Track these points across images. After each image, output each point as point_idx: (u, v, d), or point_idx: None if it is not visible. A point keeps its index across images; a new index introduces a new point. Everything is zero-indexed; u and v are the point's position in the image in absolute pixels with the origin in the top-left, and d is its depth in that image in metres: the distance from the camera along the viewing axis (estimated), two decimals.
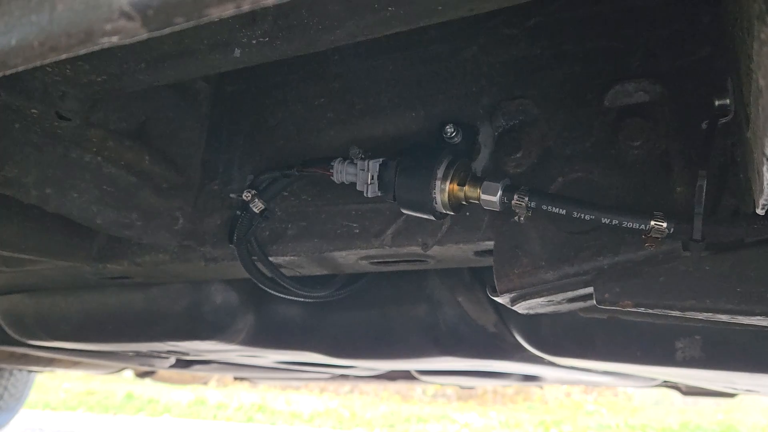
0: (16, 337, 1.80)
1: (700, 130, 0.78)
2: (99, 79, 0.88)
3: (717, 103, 0.74)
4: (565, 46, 0.90)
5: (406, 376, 2.48)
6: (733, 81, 0.73)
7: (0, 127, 0.92)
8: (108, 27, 0.35)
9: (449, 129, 0.88)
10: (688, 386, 2.23)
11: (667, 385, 2.19)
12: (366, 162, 0.88)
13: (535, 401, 11.00)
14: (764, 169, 0.47)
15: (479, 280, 1.29)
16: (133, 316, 1.51)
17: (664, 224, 0.73)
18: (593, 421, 9.67)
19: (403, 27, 0.73)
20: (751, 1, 0.39)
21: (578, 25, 0.90)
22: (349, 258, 1.05)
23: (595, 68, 0.88)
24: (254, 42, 0.77)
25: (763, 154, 0.44)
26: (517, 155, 0.88)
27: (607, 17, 0.89)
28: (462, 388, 4.18)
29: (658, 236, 0.74)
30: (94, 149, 1.00)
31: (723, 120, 0.74)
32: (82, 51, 0.36)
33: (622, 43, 0.86)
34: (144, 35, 0.36)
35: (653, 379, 1.86)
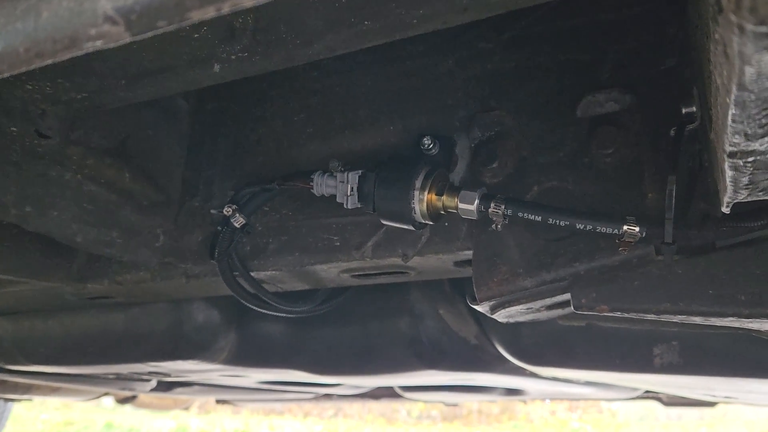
0: None
1: (669, 138, 0.80)
2: (79, 97, 0.89)
3: (684, 110, 0.77)
4: (538, 58, 0.93)
5: (391, 394, 2.48)
6: (698, 88, 0.75)
7: None
8: (92, 32, 0.36)
9: (426, 141, 0.89)
10: (669, 396, 2.25)
11: (649, 396, 2.21)
12: (345, 174, 0.89)
13: (520, 420, 10.97)
14: (726, 166, 0.49)
15: (459, 291, 1.30)
16: (114, 338, 1.50)
17: (637, 228, 0.75)
18: None
19: (380, 40, 0.74)
20: (706, 4, 0.41)
21: (550, 38, 0.93)
22: (331, 271, 1.06)
23: (568, 80, 0.90)
24: (233, 57, 0.78)
25: (724, 151, 0.46)
26: (493, 165, 0.89)
27: (578, 30, 0.91)
28: (446, 405, 4.16)
29: (631, 240, 0.76)
30: (74, 167, 1.00)
31: (690, 127, 0.76)
32: (68, 56, 0.37)
33: (592, 55, 0.89)
34: (128, 39, 0.37)
35: (635, 389, 1.88)
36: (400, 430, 9.81)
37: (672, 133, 0.79)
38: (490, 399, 2.45)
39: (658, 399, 2.36)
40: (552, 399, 2.84)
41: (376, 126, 1.01)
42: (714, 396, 1.64)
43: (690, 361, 1.11)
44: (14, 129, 0.90)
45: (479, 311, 1.32)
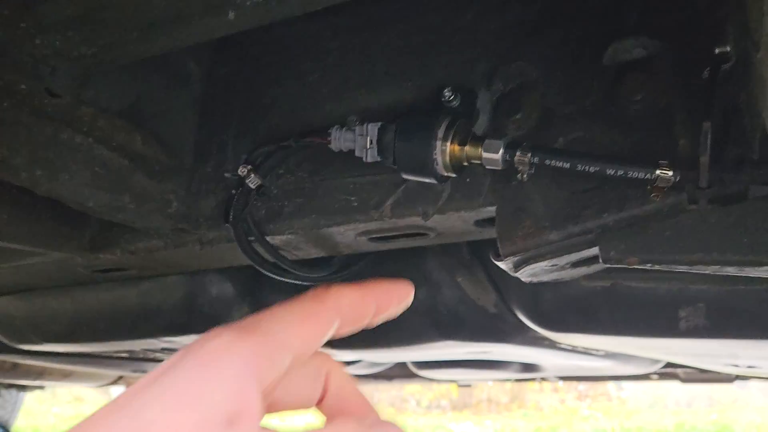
0: (7, 342, 1.76)
1: (701, 81, 0.77)
2: (90, 52, 0.87)
3: (718, 50, 0.74)
4: (560, 7, 0.90)
5: (404, 374, 2.46)
6: (733, 27, 0.73)
7: None
8: None
9: (447, 93, 0.87)
10: (687, 372, 2.22)
11: (668, 373, 2.18)
12: (364, 126, 0.86)
13: (530, 408, 10.97)
14: None
15: (478, 258, 1.28)
16: (127, 312, 1.49)
17: (670, 173, 0.72)
18: (589, 425, 9.66)
19: None
20: None
21: None
22: (348, 234, 1.03)
23: (592, 27, 0.87)
24: (248, 3, 0.76)
25: None
26: (517, 117, 0.87)
27: None
28: (460, 385, 4.15)
29: (664, 186, 0.73)
30: (85, 129, 0.98)
31: (724, 67, 0.74)
32: None
33: (618, 1, 0.86)
34: None
35: (655, 362, 1.85)
36: (410, 419, 9.83)
37: (705, 74, 0.76)
38: (506, 376, 2.43)
39: (676, 377, 2.33)
40: (566, 380, 2.82)
41: (393, 82, 0.99)
42: (737, 366, 1.61)
43: (717, 324, 1.08)
44: (24, 87, 0.88)
45: (498, 279, 1.30)
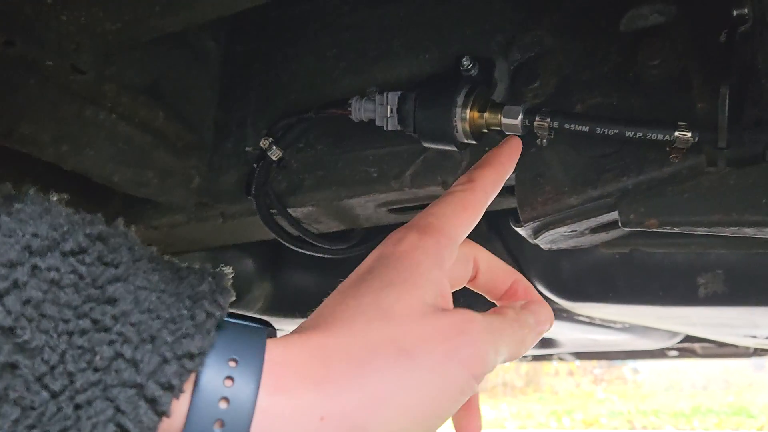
0: None
1: (718, 44, 0.78)
2: (113, 28, 0.89)
3: (735, 12, 0.74)
4: None
5: None
6: None
7: (16, 82, 0.92)
8: None
9: (465, 61, 0.88)
10: (704, 348, 2.22)
11: (684, 349, 2.18)
12: (384, 95, 0.88)
13: (546, 392, 11.00)
14: None
15: (496, 230, 1.29)
16: None
17: (689, 134, 0.73)
18: (604, 408, 9.67)
19: None
20: None
21: None
22: (367, 206, 1.05)
23: None
24: None
25: None
26: (535, 85, 0.88)
27: None
28: None
29: (683, 147, 0.74)
30: (109, 105, 1.00)
31: (741, 29, 0.74)
32: None
33: None
34: None
35: (674, 335, 1.85)
36: None
37: (722, 37, 0.76)
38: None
39: (693, 352, 2.33)
40: (583, 358, 2.82)
41: (410, 55, 1.00)
42: (755, 337, 1.62)
43: (736, 290, 1.09)
44: (50, 63, 0.90)
45: (516, 251, 1.31)
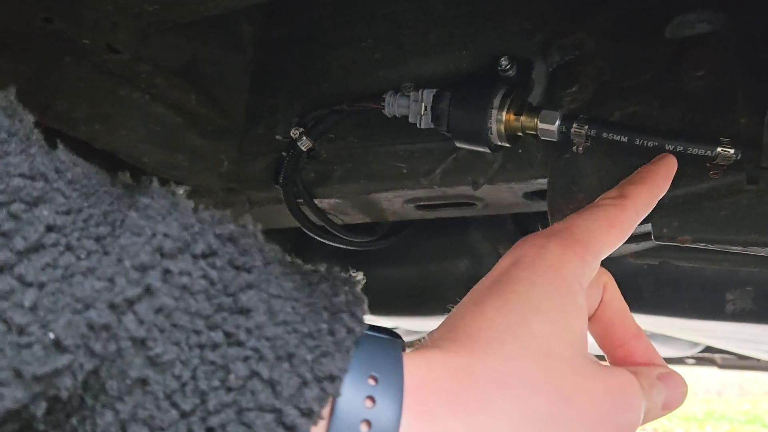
0: None
1: (765, 58, 0.75)
2: (151, 9, 0.88)
3: None
4: None
5: None
6: None
7: (52, 59, 0.92)
8: None
9: (503, 62, 0.86)
10: (724, 358, 2.19)
11: (705, 357, 2.16)
12: (419, 92, 0.86)
13: None
14: None
15: (522, 231, 1.27)
16: None
17: (732, 150, 0.71)
18: None
19: None
20: None
21: None
22: (395, 201, 1.04)
23: (655, 1, 0.86)
24: None
25: None
26: (573, 89, 0.86)
27: None
28: None
29: (724, 164, 0.72)
30: (143, 85, 1.00)
31: None
32: None
33: None
34: None
35: (694, 345, 1.83)
36: None
37: None
38: None
39: (713, 362, 2.30)
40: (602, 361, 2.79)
41: (447, 50, 0.98)
42: None
43: (765, 308, 1.07)
44: (86, 41, 0.90)
45: None
